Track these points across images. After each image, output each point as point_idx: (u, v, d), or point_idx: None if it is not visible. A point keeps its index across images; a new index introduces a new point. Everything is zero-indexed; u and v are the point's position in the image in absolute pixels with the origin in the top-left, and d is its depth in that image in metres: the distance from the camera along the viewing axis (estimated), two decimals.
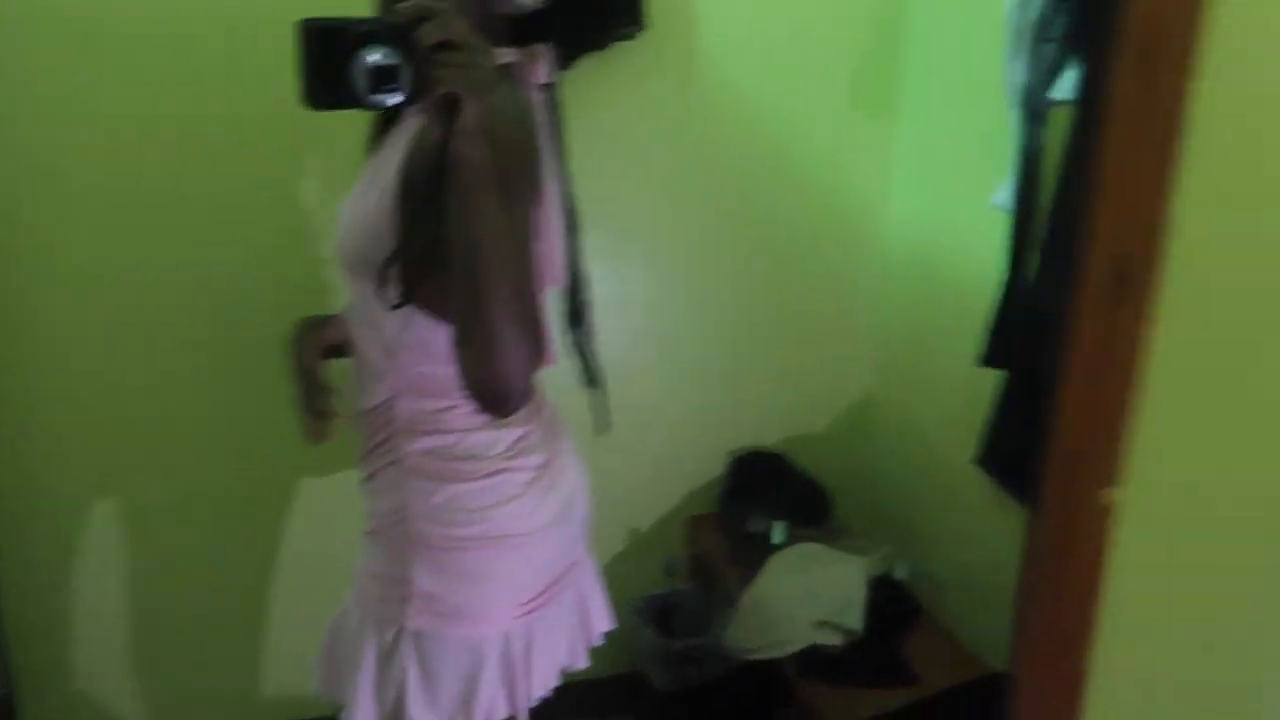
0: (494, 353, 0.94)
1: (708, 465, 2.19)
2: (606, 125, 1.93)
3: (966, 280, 1.85)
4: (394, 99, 0.88)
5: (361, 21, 0.86)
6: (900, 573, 1.95)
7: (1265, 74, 0.63)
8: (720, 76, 1.97)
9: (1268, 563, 0.78)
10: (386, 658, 1.17)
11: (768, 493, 2.11)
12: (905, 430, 2.14)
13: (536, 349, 0.98)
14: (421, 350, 1.08)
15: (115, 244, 1.73)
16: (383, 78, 0.87)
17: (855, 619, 1.77)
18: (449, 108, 0.89)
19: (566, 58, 1.84)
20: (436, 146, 0.91)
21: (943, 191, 1.98)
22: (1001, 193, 1.57)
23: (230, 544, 1.95)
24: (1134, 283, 0.65)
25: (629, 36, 1.85)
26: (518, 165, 1.02)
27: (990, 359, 1.60)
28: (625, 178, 1.98)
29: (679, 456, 2.17)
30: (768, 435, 2.21)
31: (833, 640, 1.76)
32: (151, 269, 1.76)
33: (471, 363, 0.96)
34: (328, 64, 0.86)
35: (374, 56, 0.86)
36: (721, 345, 2.13)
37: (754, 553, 2.00)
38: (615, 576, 2.16)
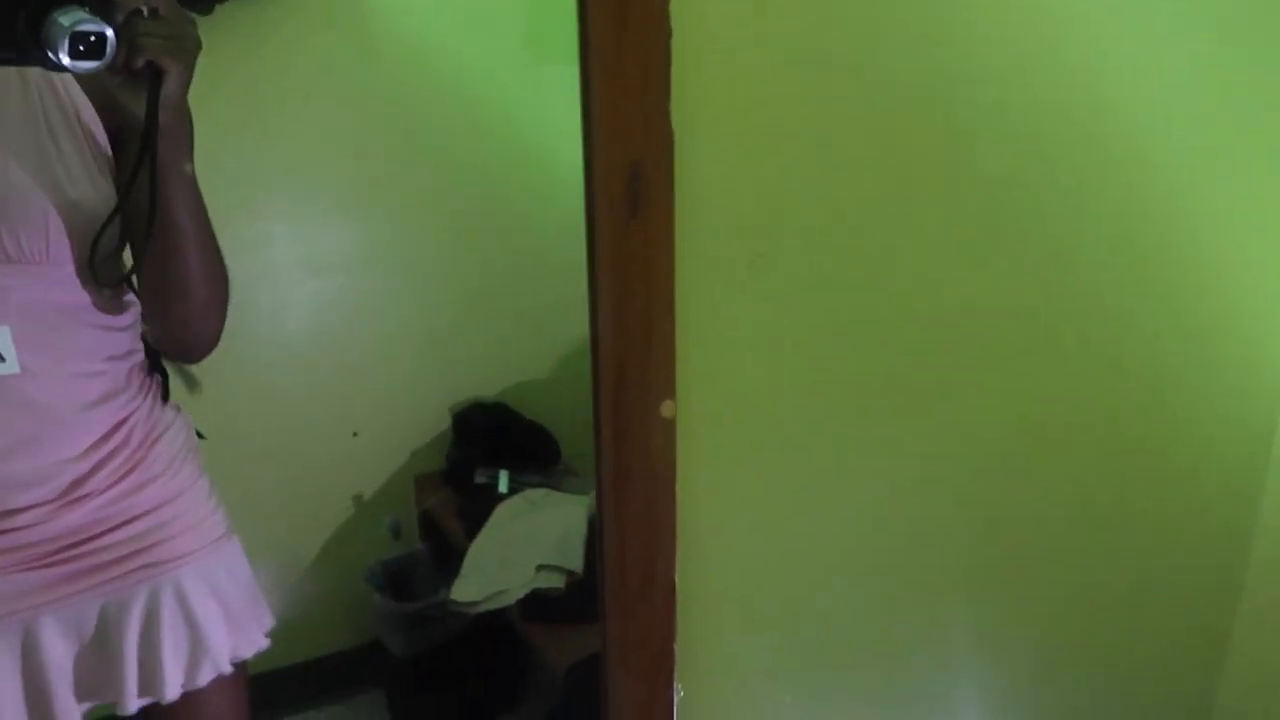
0: (215, 297, 1.01)
1: (431, 422, 2.13)
2: (272, 75, 1.79)
3: None
4: (94, 67, 0.81)
5: None
6: None
7: None
8: (393, 27, 1.87)
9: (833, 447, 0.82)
10: None
11: (492, 443, 2.08)
12: None
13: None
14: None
15: None
16: (88, 45, 0.79)
17: (575, 559, 1.77)
18: (152, 78, 0.84)
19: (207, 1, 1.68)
20: (149, 120, 0.86)
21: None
22: None
23: None
24: (651, 189, 0.64)
25: None
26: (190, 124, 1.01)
27: None
28: (297, 129, 1.85)
29: (399, 416, 2.09)
30: (489, 386, 2.16)
31: (555, 582, 1.75)
32: None
33: (186, 311, 1.00)
34: (41, 31, 0.79)
35: (75, 19, 0.78)
36: (431, 301, 2.06)
37: (481, 505, 1.96)
38: (344, 545, 2.08)
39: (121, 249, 1.02)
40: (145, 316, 1.03)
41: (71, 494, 1.00)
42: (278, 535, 2.00)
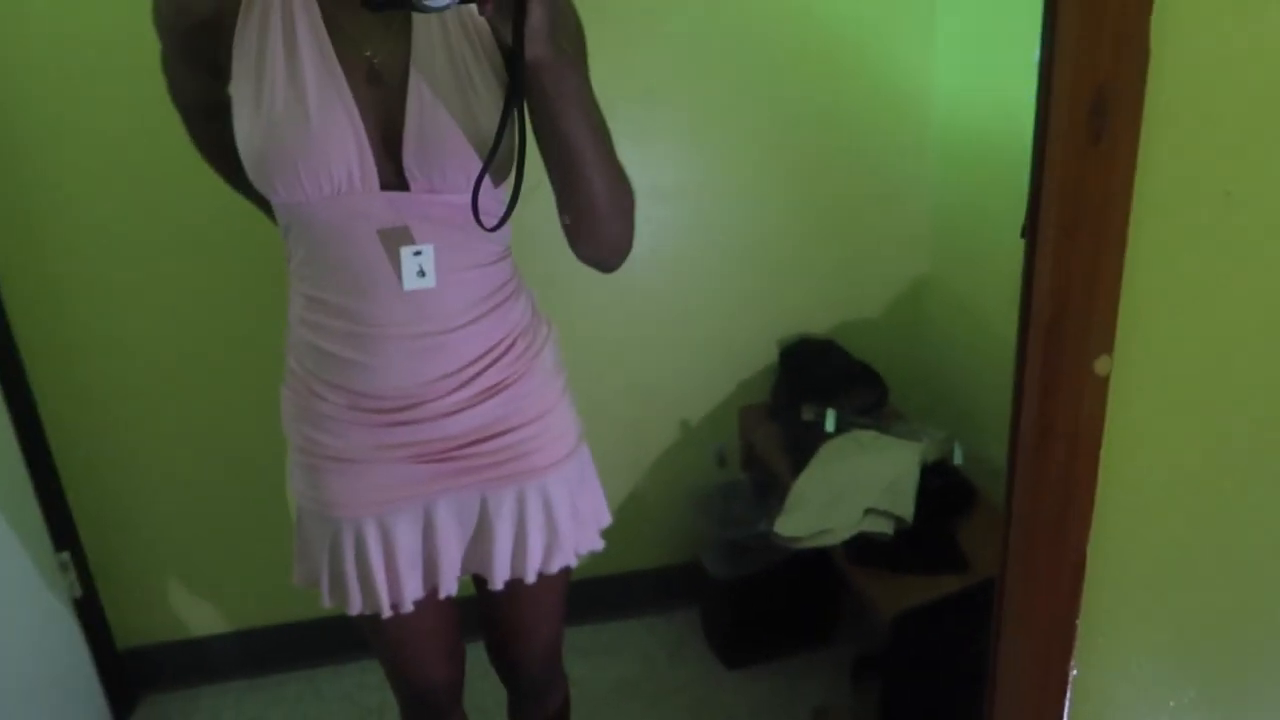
0: (618, 212, 1.04)
1: (758, 355, 2.13)
2: (623, 8, 1.82)
3: (1018, 149, 1.71)
4: (449, 2, 0.83)
5: None
6: (957, 458, 1.87)
7: None
8: None
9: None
10: None
11: (820, 380, 2.04)
12: (961, 310, 2.03)
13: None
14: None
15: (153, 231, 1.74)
16: None
17: (906, 506, 1.71)
18: (518, 11, 0.84)
19: None
20: (514, 52, 0.87)
21: (989, 58, 1.81)
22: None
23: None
24: (1116, 115, 0.55)
25: None
26: (581, 50, 1.05)
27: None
28: (655, 62, 1.88)
29: (728, 346, 2.11)
30: (818, 322, 2.12)
31: (883, 528, 1.70)
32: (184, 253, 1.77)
33: (596, 225, 1.04)
34: None
35: None
36: (767, 231, 2.04)
37: (806, 442, 1.94)
38: (669, 467, 2.16)
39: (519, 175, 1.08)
40: (564, 232, 1.07)
41: (462, 395, 1.11)
42: (608, 449, 2.10)
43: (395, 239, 1.03)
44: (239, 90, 1.00)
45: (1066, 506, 0.65)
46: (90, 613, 1.93)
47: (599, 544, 1.29)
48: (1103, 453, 0.64)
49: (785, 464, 1.93)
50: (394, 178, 1.02)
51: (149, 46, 1.08)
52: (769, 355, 2.12)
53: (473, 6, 0.85)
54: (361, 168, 1.00)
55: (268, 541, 2.01)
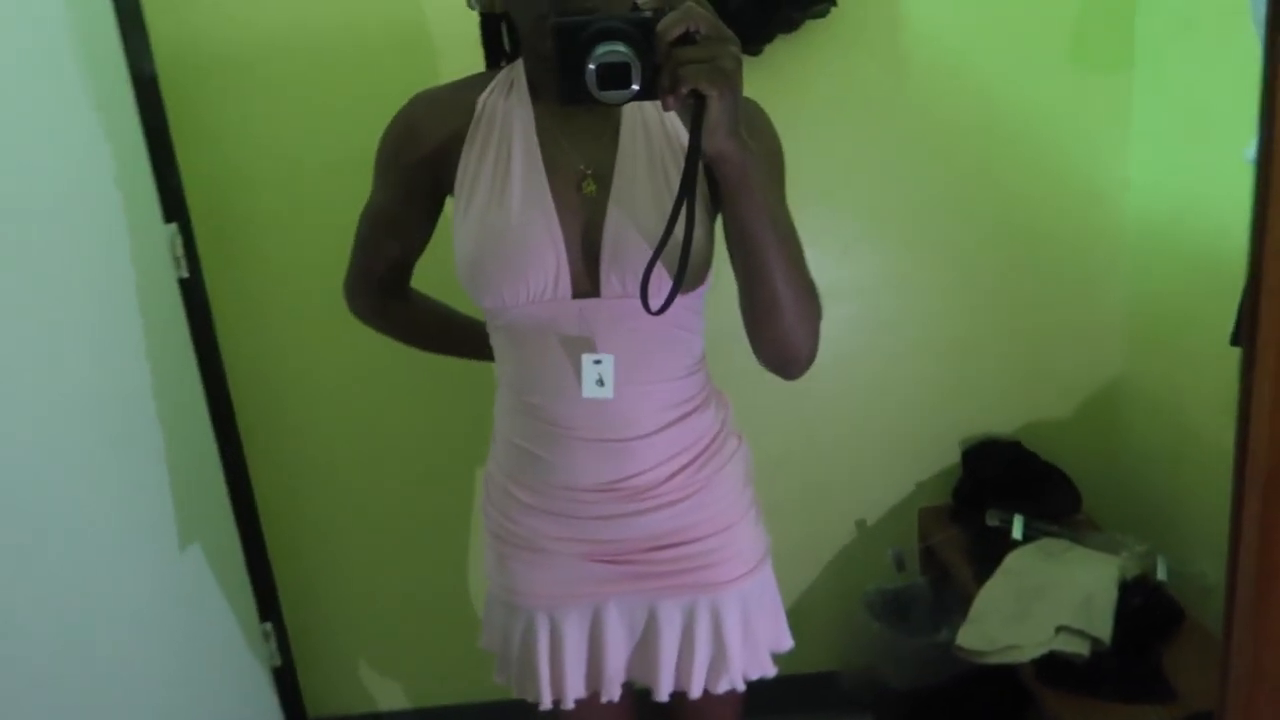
0: (801, 319, 1.02)
1: (940, 454, 2.07)
2: (808, 107, 1.86)
3: (1223, 245, 1.61)
4: (624, 96, 0.83)
5: (603, 17, 0.83)
6: (1160, 573, 1.73)
7: None
8: (928, 45, 1.84)
9: None
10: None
11: (1006, 484, 1.96)
12: (1161, 413, 1.90)
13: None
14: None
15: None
16: (614, 74, 0.83)
17: (1103, 626, 1.59)
18: (696, 107, 0.83)
19: (761, 39, 1.79)
20: (691, 147, 0.86)
21: (1191, 148, 1.73)
22: (1253, 145, 1.35)
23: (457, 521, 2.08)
24: None
25: (821, 14, 1.77)
26: (776, 165, 1.08)
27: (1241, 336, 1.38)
28: (834, 160, 1.90)
29: (909, 444, 2.06)
30: (1004, 422, 2.04)
31: (1078, 648, 1.59)
32: None
33: (777, 330, 1.02)
34: (571, 61, 0.83)
35: (603, 52, 0.82)
36: (951, 327, 1.99)
37: (991, 548, 1.85)
38: (843, 569, 2.10)
39: (702, 275, 1.09)
40: (747, 336, 1.06)
41: (642, 503, 1.12)
42: (781, 548, 2.08)
43: (580, 346, 1.07)
44: (456, 208, 1.09)
45: None
46: (287, 682, 2.06)
47: (771, 670, 1.26)
48: None
49: (968, 571, 1.85)
50: (590, 285, 1.06)
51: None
52: (951, 455, 2.05)
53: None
54: (557, 276, 1.04)
55: (451, 623, 2.09)
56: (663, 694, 1.21)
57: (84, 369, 1.49)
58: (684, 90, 0.82)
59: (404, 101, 1.16)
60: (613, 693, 1.22)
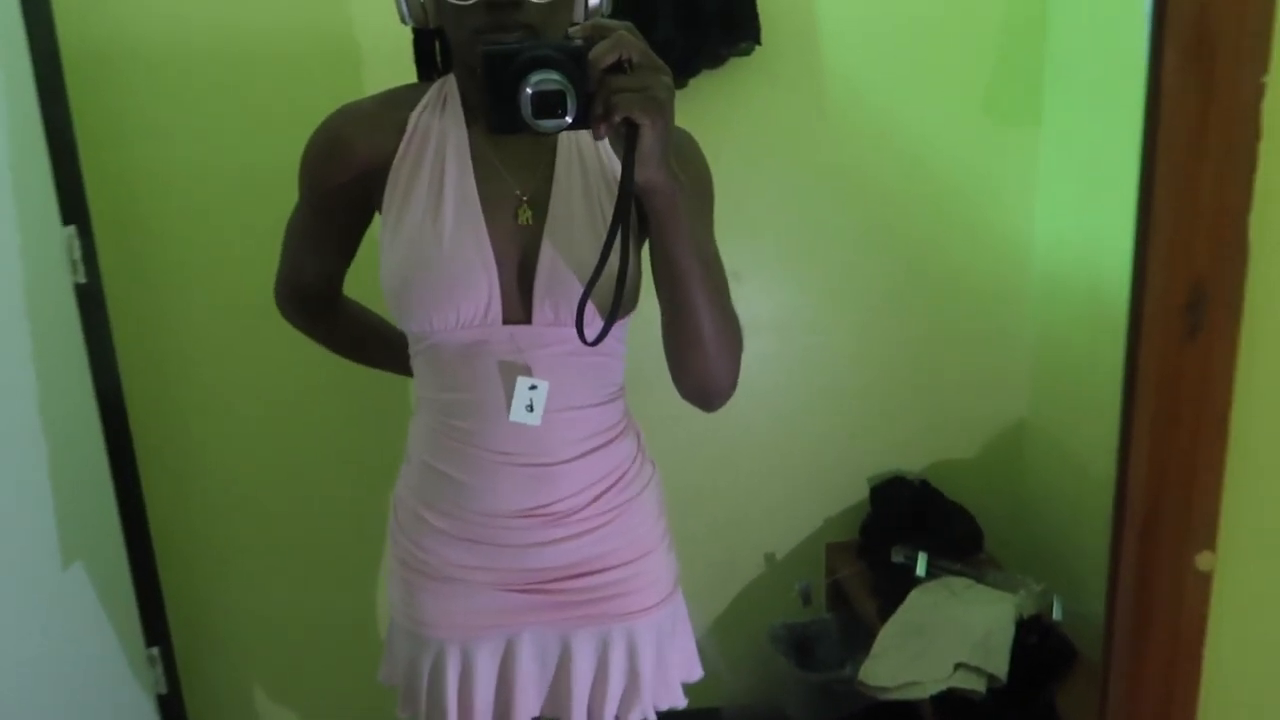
0: (723, 351, 1.02)
1: (848, 491, 2.10)
2: (728, 142, 1.89)
3: (1124, 295, 1.68)
4: (558, 125, 0.83)
5: (536, 45, 0.83)
6: (1056, 613, 1.78)
7: None
8: (847, 89, 1.89)
9: None
10: None
11: (911, 521, 1.99)
12: (1061, 457, 1.97)
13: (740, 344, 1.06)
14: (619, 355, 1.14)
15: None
16: (548, 102, 0.82)
17: (1000, 663, 1.63)
18: (629, 135, 0.83)
19: (686, 72, 1.81)
20: (624, 176, 0.85)
21: (1093, 202, 1.81)
22: None
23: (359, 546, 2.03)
24: (1214, 310, 0.55)
25: (746, 52, 1.81)
26: (705, 195, 1.09)
27: None
28: (752, 194, 1.93)
29: (818, 481, 2.09)
30: (912, 461, 2.09)
31: (975, 685, 1.62)
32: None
33: (699, 362, 1.01)
34: (504, 89, 0.83)
35: (538, 80, 0.82)
36: (861, 366, 2.04)
37: (895, 584, 1.88)
38: (751, 602, 2.11)
39: (632, 303, 1.09)
40: (669, 367, 1.06)
41: (561, 529, 1.11)
42: (690, 580, 2.08)
43: (514, 371, 1.05)
44: (385, 224, 1.06)
45: (1168, 705, 0.62)
46: (172, 710, 1.96)
47: (681, 700, 1.24)
48: (1205, 651, 0.61)
49: (872, 606, 1.87)
50: (522, 312, 1.04)
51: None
52: (859, 492, 2.09)
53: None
54: (489, 303, 1.03)
55: (350, 651, 2.03)
56: None
57: None
58: (617, 119, 0.82)
59: (327, 112, 1.12)
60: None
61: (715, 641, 2.10)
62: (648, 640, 1.18)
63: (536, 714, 1.20)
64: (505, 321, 1.04)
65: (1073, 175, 1.87)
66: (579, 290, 0.98)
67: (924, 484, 2.04)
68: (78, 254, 1.74)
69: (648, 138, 0.83)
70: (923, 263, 1.99)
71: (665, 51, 1.68)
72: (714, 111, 1.87)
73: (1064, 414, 1.96)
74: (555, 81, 0.82)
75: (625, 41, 0.82)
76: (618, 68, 0.82)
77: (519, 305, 1.04)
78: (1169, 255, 0.54)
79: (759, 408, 2.02)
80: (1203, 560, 0.59)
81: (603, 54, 0.81)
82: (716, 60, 1.82)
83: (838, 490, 2.08)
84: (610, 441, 1.13)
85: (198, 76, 1.77)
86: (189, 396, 1.91)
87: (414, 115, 1.07)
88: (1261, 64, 0.50)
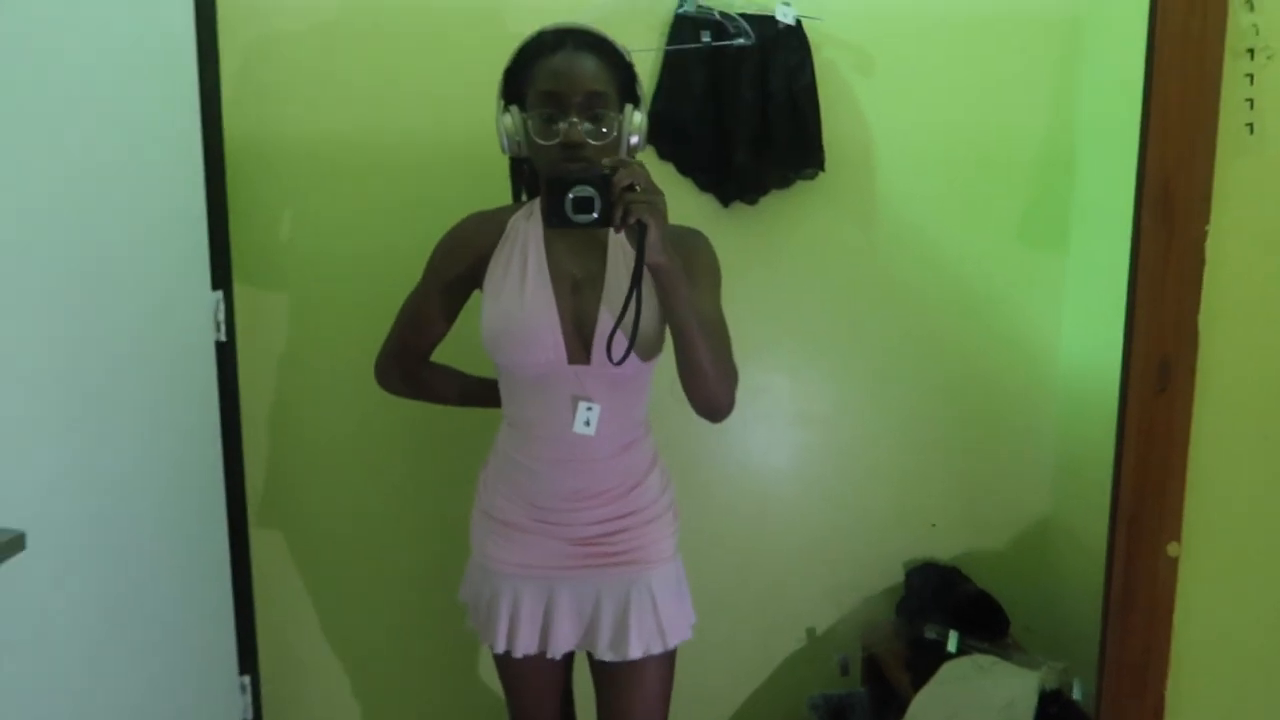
0: (719, 381, 1.46)
1: (885, 574, 2.35)
2: (789, 253, 2.22)
3: None
4: (588, 220, 1.31)
5: (581, 170, 1.33)
6: (1076, 693, 2.00)
7: (1265, 217, 0.83)
8: (897, 212, 2.23)
9: None
10: None
11: (943, 602, 2.23)
12: (1083, 552, 2.21)
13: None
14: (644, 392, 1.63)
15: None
16: (582, 205, 1.31)
17: None
18: (640, 231, 1.30)
19: (758, 192, 2.15)
20: (637, 258, 1.33)
21: (1113, 317, 2.10)
22: None
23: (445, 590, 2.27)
24: (1176, 375, 0.83)
25: (810, 177, 2.15)
26: (713, 274, 1.58)
27: None
28: (808, 300, 2.24)
29: (857, 562, 2.34)
30: (944, 549, 2.34)
31: None
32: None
33: (701, 387, 1.46)
34: (555, 197, 1.31)
35: (576, 191, 1.30)
36: (899, 459, 2.31)
37: (928, 659, 2.11)
38: (791, 672, 2.33)
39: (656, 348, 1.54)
40: (683, 389, 1.49)
41: (603, 504, 1.59)
42: (734, 649, 2.32)
43: (570, 396, 1.54)
44: (486, 293, 1.57)
45: (1146, 665, 0.87)
46: None
47: (689, 634, 1.65)
48: (1175, 616, 0.87)
49: (905, 679, 2.10)
50: (582, 355, 1.52)
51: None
52: (895, 575, 2.33)
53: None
54: (554, 348, 1.51)
55: (430, 684, 2.26)
56: (601, 654, 1.60)
57: (121, 406, 1.70)
58: (631, 220, 1.28)
59: (441, 210, 1.67)
60: (556, 652, 1.60)
61: (757, 709, 2.31)
62: (663, 587, 1.61)
63: (571, 648, 1.63)
64: (570, 362, 1.52)
65: (1095, 295, 2.18)
66: (625, 340, 1.43)
67: (955, 570, 2.28)
68: (221, 315, 2.06)
69: (652, 233, 1.30)
70: (958, 368, 2.28)
71: (740, 174, 2.05)
72: (779, 226, 2.20)
73: (1086, 514, 2.22)
74: (587, 192, 1.30)
75: (636, 172, 1.30)
76: (630, 188, 1.29)
77: (580, 350, 1.52)
78: (1145, 338, 0.83)
79: (806, 492, 2.29)
80: (1171, 548, 0.85)
81: (621, 178, 1.29)
82: (785, 183, 2.16)
83: (875, 571, 2.33)
84: (632, 443, 1.60)
85: (330, 172, 2.12)
86: (297, 442, 2.19)
87: (510, 221, 1.60)
88: (1204, 217, 0.80)
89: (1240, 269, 0.85)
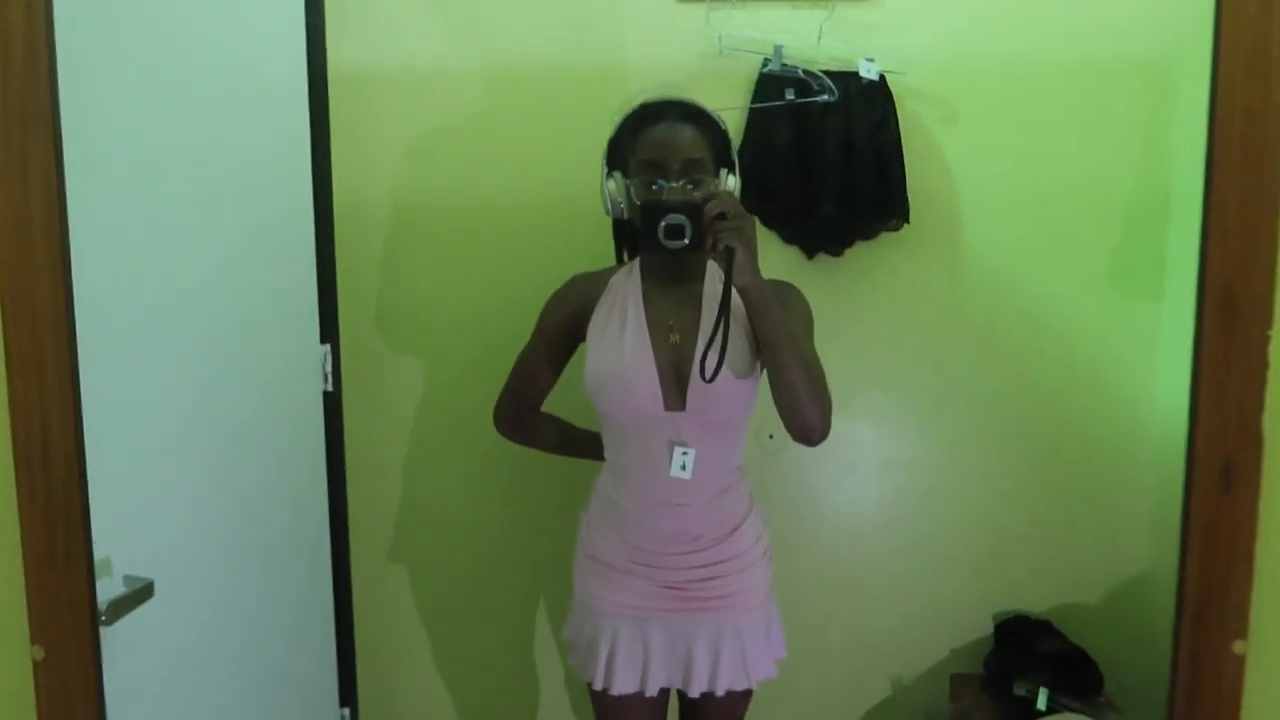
0: (811, 400, 1.55)
1: (974, 625, 2.34)
2: (875, 302, 2.25)
3: None
4: (679, 245, 1.43)
5: (675, 200, 1.48)
6: None
7: None
8: (982, 261, 2.24)
9: None
10: None
11: (1033, 658, 2.21)
12: None
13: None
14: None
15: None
16: (675, 232, 1.43)
17: None
18: (729, 255, 1.42)
19: (843, 244, 2.19)
20: (726, 279, 1.45)
21: None
22: None
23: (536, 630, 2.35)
24: (1240, 476, 0.84)
25: (895, 228, 2.17)
26: (805, 314, 1.68)
27: None
28: (894, 348, 2.27)
29: (943, 613, 2.34)
30: (1035, 601, 2.32)
31: None
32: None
33: (794, 406, 1.55)
34: (650, 225, 1.45)
35: (669, 218, 1.43)
36: (989, 508, 2.31)
37: (1017, 717, 2.09)
38: None
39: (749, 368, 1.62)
40: (778, 412, 1.58)
41: (693, 547, 1.68)
42: (822, 694, 2.34)
43: (667, 442, 1.64)
44: (590, 343, 1.69)
45: None
46: None
47: (774, 672, 1.76)
48: (1242, 714, 0.88)
49: None
50: (678, 402, 1.62)
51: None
52: (984, 627, 2.32)
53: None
54: (652, 396, 1.61)
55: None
56: (694, 692, 1.70)
57: (242, 457, 1.83)
58: (720, 246, 1.41)
59: (528, 270, 1.91)
60: (653, 690, 1.71)
61: None
62: (752, 631, 1.70)
63: (666, 684, 1.72)
64: (666, 409, 1.62)
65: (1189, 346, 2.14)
66: (719, 389, 1.56)
67: (1047, 624, 2.26)
68: (329, 367, 2.19)
69: (740, 255, 1.42)
70: (1049, 418, 2.27)
71: (825, 226, 2.09)
72: (866, 277, 2.23)
73: None
74: (680, 220, 1.43)
75: (726, 201, 1.44)
76: (721, 217, 1.42)
77: (676, 398, 1.62)
78: (1209, 440, 0.85)
79: (893, 538, 2.30)
80: (1238, 646, 0.86)
81: (712, 208, 1.43)
82: (870, 234, 2.19)
83: (963, 623, 2.33)
84: (728, 489, 1.69)
85: (435, 231, 2.24)
86: (397, 494, 2.31)
87: (612, 280, 1.74)
88: (1268, 320, 0.82)
89: None
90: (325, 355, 2.19)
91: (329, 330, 2.20)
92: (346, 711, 2.29)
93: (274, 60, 1.94)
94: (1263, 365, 0.84)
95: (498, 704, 2.38)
